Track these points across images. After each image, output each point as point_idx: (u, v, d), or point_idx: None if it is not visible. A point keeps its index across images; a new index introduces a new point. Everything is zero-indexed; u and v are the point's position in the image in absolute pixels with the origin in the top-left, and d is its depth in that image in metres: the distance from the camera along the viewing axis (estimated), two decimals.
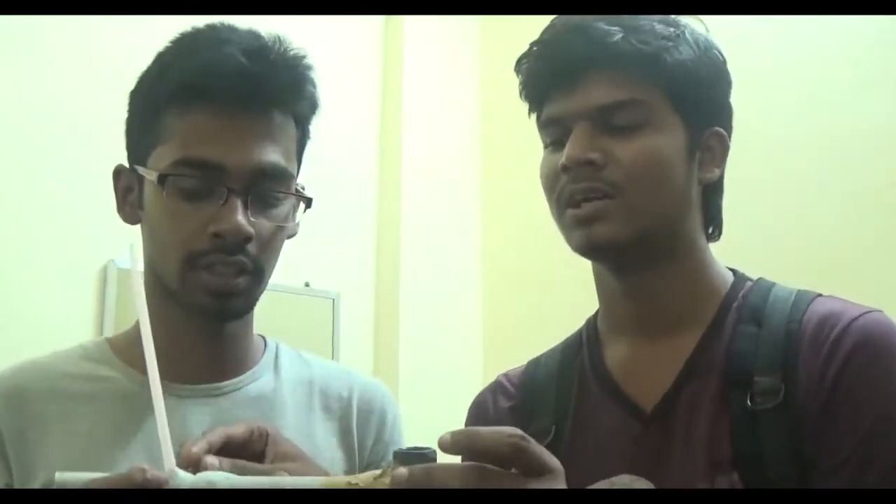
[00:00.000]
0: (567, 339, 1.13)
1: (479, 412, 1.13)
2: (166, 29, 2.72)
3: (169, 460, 0.75)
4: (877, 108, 2.54)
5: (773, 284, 1.03)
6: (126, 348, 1.03)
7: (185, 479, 0.74)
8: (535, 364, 1.13)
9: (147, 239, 1.02)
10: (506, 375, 1.14)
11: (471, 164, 3.40)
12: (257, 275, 0.99)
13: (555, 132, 1.02)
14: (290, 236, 1.04)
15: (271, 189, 0.99)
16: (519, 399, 1.09)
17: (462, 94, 3.43)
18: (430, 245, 3.21)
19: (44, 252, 2.43)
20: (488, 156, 3.41)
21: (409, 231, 3.16)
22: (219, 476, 0.76)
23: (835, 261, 2.45)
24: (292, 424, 1.04)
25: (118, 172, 1.07)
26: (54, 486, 0.74)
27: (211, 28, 1.03)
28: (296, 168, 1.04)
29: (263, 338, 1.11)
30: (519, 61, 1.05)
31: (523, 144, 3.34)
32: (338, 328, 2.98)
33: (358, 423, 1.09)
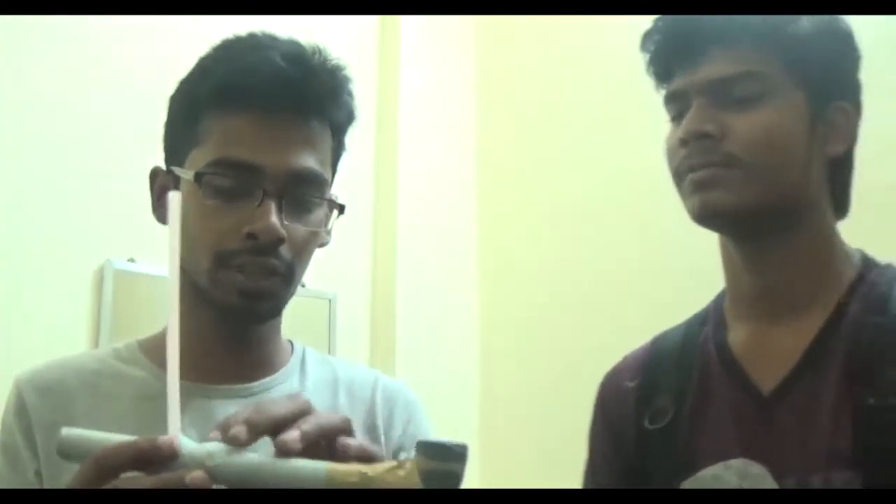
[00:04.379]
0: (691, 317, 1.13)
1: (604, 395, 1.15)
2: (167, 32, 2.70)
3: (174, 426, 0.73)
4: (876, 109, 2.54)
5: None
6: (155, 349, 1.05)
7: (187, 445, 0.73)
8: (659, 341, 1.13)
9: (180, 240, 1.03)
10: (631, 354, 1.15)
11: (467, 164, 3.40)
12: (288, 278, 0.99)
13: (676, 107, 1.03)
14: (321, 245, 1.05)
15: (306, 193, 1.00)
16: (642, 378, 1.09)
17: (458, 94, 3.43)
18: (426, 245, 3.21)
19: (40, 252, 2.42)
20: (484, 156, 3.41)
21: (405, 232, 3.16)
22: (220, 448, 0.73)
23: None
24: None
25: (154, 174, 1.07)
26: (59, 441, 0.74)
27: (251, 35, 1.04)
28: (330, 176, 1.05)
29: (291, 341, 1.12)
30: (644, 38, 1.06)
31: (520, 144, 3.36)
32: (334, 329, 2.98)
33: (383, 418, 1.09)
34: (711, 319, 1.09)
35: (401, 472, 0.71)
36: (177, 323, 0.75)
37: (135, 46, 2.66)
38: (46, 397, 1.00)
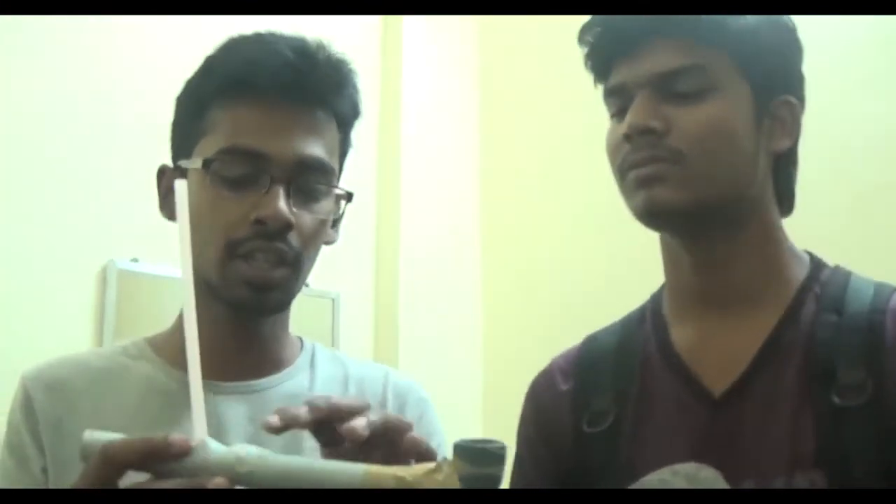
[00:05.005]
0: (627, 315, 1.10)
1: (536, 397, 1.11)
2: (171, 32, 2.70)
3: (201, 429, 0.70)
4: (876, 108, 2.53)
5: (850, 273, 1.00)
6: (164, 345, 1.05)
7: (216, 450, 0.70)
8: (591, 342, 1.10)
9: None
10: (562, 356, 1.11)
11: (469, 164, 3.40)
12: (296, 267, 0.99)
13: (618, 102, 0.99)
14: (328, 243, 1.05)
15: (313, 181, 1.00)
16: (576, 380, 1.06)
17: (461, 94, 3.43)
18: (429, 246, 3.21)
19: (44, 252, 2.43)
20: (487, 156, 3.41)
21: (408, 231, 3.16)
22: (251, 452, 0.70)
23: (834, 261, 2.44)
24: None
25: (161, 172, 1.07)
26: (83, 445, 0.71)
27: (256, 33, 1.05)
28: (337, 167, 1.05)
29: (300, 339, 1.12)
30: (582, 31, 1.03)
31: (522, 143, 3.35)
32: (337, 329, 2.99)
33: None
34: (650, 319, 1.05)
35: (438, 477, 0.69)
36: (194, 323, 0.74)
37: (139, 47, 2.66)
38: (53, 394, 1.00)
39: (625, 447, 0.98)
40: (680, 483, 0.92)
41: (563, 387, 1.07)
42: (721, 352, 0.98)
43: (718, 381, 0.96)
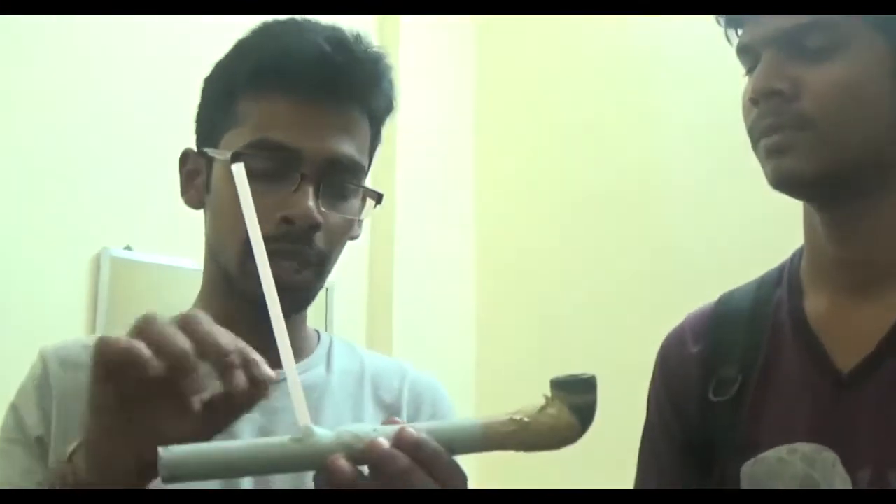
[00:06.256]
0: (764, 274, 1.04)
1: (665, 358, 1.07)
2: (166, 26, 2.67)
3: (303, 416, 0.71)
4: None
5: None
6: None
7: (325, 435, 0.70)
8: (727, 302, 1.04)
9: (210, 224, 1.01)
10: (695, 313, 1.07)
11: (464, 157, 3.40)
12: (320, 269, 0.98)
13: (747, 60, 0.95)
14: (352, 238, 1.03)
15: (343, 180, 0.98)
16: (707, 343, 1.02)
17: (457, 92, 3.44)
18: (423, 235, 3.21)
19: (37, 240, 2.43)
20: (482, 151, 3.42)
21: (402, 221, 3.16)
22: (363, 429, 0.70)
23: None
24: (342, 415, 1.02)
25: (185, 156, 1.04)
26: (162, 464, 0.68)
27: (292, 19, 1.02)
28: (367, 164, 1.03)
29: (318, 331, 1.10)
30: None
31: (517, 141, 3.36)
32: (331, 317, 2.99)
33: (408, 415, 1.06)
34: (786, 282, 1.00)
35: (552, 411, 0.70)
36: (281, 317, 0.75)
37: (134, 39, 2.65)
38: (70, 370, 0.99)
39: (745, 419, 0.95)
40: (797, 463, 0.89)
41: (693, 348, 1.03)
42: (854, 327, 0.92)
43: (847, 359, 0.91)
